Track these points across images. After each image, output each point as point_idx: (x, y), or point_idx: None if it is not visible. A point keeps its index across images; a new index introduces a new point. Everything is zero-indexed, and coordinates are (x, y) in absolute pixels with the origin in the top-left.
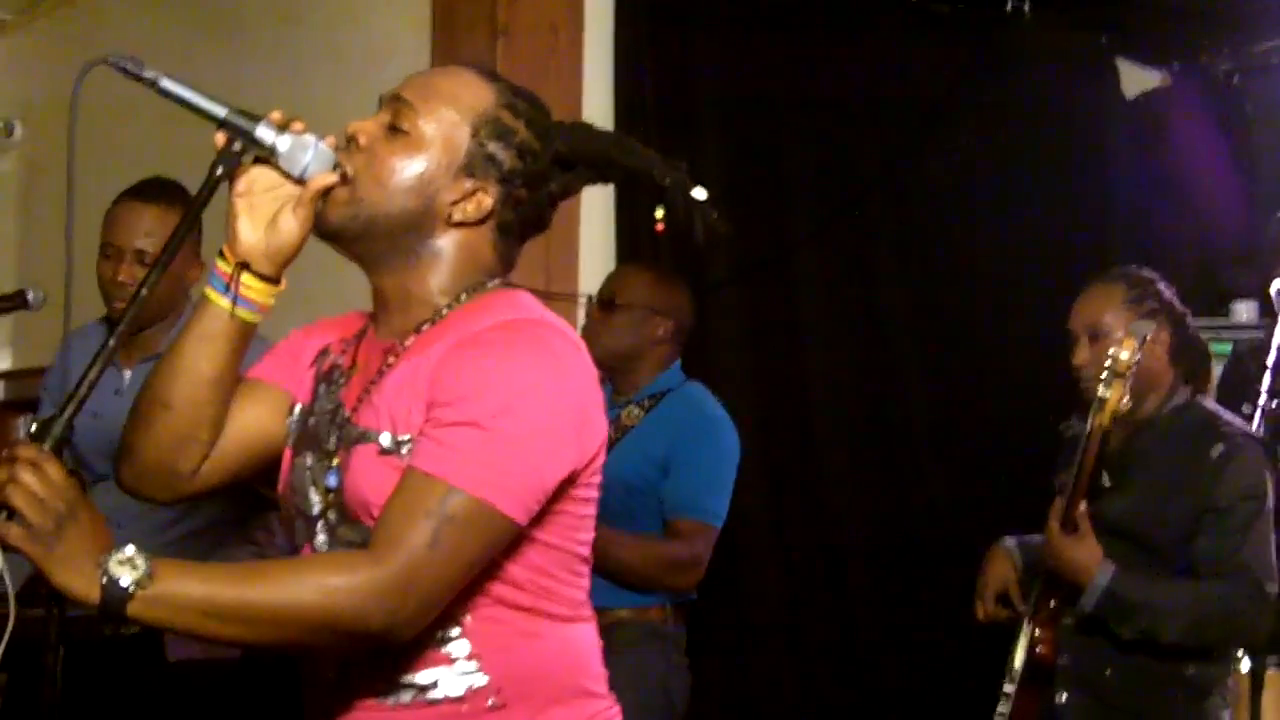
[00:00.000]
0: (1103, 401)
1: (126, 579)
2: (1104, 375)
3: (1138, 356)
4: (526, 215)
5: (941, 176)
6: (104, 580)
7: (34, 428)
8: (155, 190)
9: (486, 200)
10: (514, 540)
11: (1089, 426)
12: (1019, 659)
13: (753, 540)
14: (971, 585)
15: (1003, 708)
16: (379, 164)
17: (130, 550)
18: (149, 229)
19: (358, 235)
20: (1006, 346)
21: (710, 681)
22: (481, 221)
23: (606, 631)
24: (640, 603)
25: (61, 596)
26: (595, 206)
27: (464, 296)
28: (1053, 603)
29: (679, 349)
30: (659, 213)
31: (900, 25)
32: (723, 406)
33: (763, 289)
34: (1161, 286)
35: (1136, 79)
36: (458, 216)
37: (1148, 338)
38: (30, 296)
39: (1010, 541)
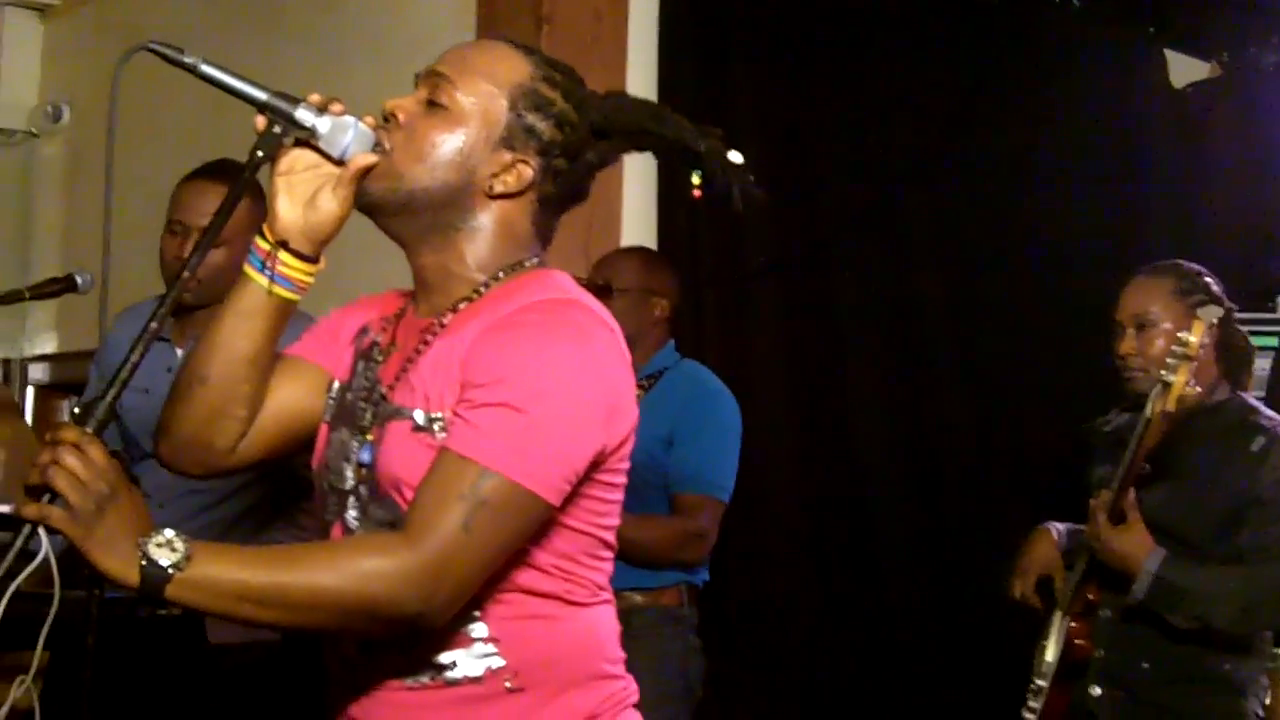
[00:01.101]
0: (1167, 386)
1: (165, 561)
2: (1170, 360)
3: (1205, 340)
4: (565, 187)
5: (983, 166)
6: (143, 562)
7: (77, 409)
8: (223, 170)
9: (526, 171)
10: (542, 526)
11: (1147, 412)
12: (1050, 654)
13: (785, 528)
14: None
15: (1033, 702)
16: (418, 139)
17: (169, 533)
18: (216, 209)
19: (398, 210)
20: (1045, 336)
21: (736, 667)
22: (521, 193)
23: (622, 616)
24: (654, 585)
25: (102, 577)
26: (636, 195)
27: (502, 275)
28: (1090, 596)
29: (672, 327)
30: (695, 178)
31: (946, 13)
32: (723, 382)
33: (800, 277)
34: (1209, 280)
35: (1184, 69)
36: (498, 188)
37: (1215, 323)
38: (79, 280)
39: (1056, 526)
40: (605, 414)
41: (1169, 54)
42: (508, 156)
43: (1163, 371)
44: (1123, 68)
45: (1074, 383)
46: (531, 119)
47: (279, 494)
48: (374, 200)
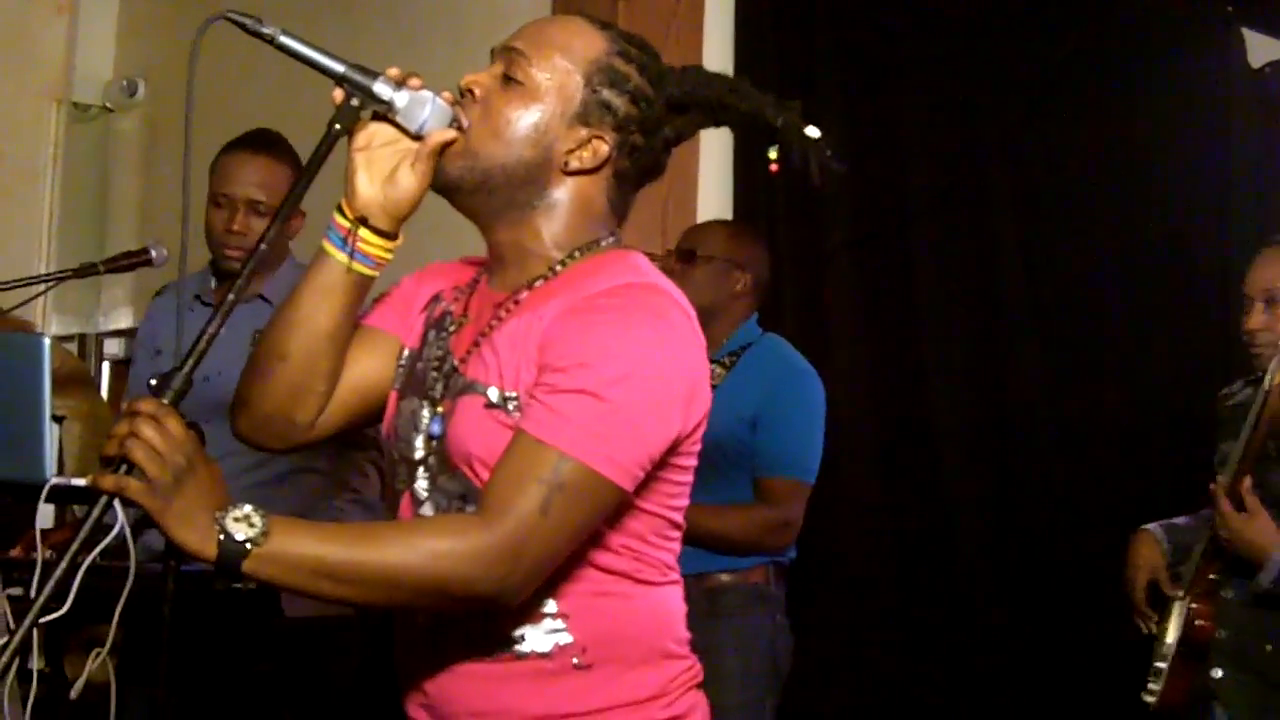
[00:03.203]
0: None
1: (242, 536)
2: None
3: None
4: (642, 162)
5: (1063, 144)
6: (220, 536)
7: (154, 381)
8: (265, 141)
9: (603, 147)
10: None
11: (1265, 385)
12: (1171, 634)
13: (863, 504)
14: (1083, 559)
15: (1153, 684)
16: (494, 115)
17: (247, 508)
18: (262, 180)
19: (475, 188)
20: (1126, 319)
21: (817, 644)
22: (598, 169)
23: (710, 595)
24: (741, 565)
25: (178, 550)
26: (712, 169)
27: (578, 254)
28: (1211, 576)
29: (756, 303)
30: (772, 153)
31: None
32: (807, 359)
33: (879, 257)
34: None
35: (1262, 48)
36: (574, 164)
37: None
38: (154, 253)
39: (1155, 527)
40: (682, 400)
41: (1247, 33)
42: (583, 132)
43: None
44: (1201, 47)
45: (1156, 359)
46: (607, 94)
47: (339, 455)
48: (451, 180)
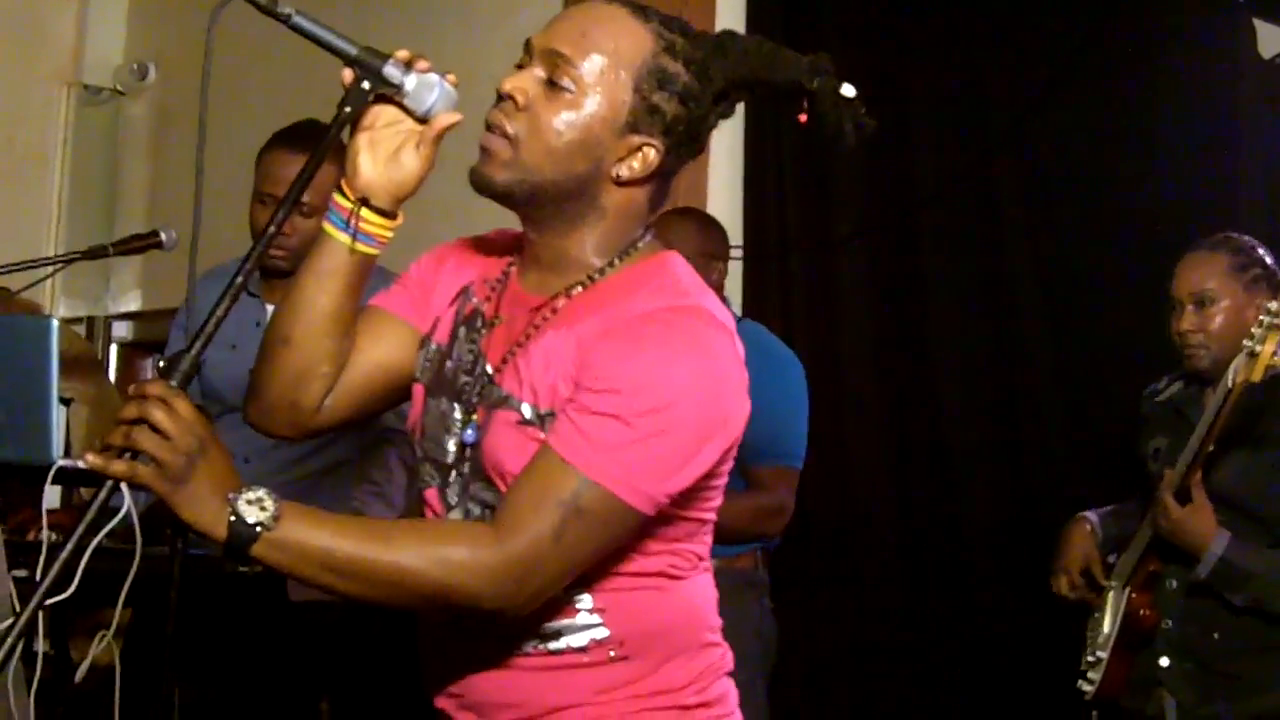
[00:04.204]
0: (1253, 356)
1: (253, 519)
2: (1256, 330)
3: None
4: (685, 156)
5: (1073, 136)
6: (231, 518)
7: (162, 364)
8: (309, 136)
9: (652, 154)
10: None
11: (1228, 383)
12: (1107, 625)
13: (871, 496)
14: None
15: (1092, 674)
16: (543, 126)
17: (260, 491)
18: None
19: (524, 199)
20: (1135, 306)
21: (820, 634)
22: (649, 178)
23: None
24: (729, 553)
25: (184, 534)
26: (722, 156)
27: (617, 260)
28: (1152, 567)
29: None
30: (803, 111)
31: None
32: (808, 349)
33: (888, 242)
34: (1263, 253)
35: (1273, 39)
36: (625, 175)
37: None
38: (164, 237)
39: (1090, 514)
40: (716, 433)
41: (1259, 24)
42: (635, 140)
43: (1247, 341)
44: (1211, 37)
45: (1165, 347)
46: (657, 98)
47: (360, 453)
48: (499, 191)
